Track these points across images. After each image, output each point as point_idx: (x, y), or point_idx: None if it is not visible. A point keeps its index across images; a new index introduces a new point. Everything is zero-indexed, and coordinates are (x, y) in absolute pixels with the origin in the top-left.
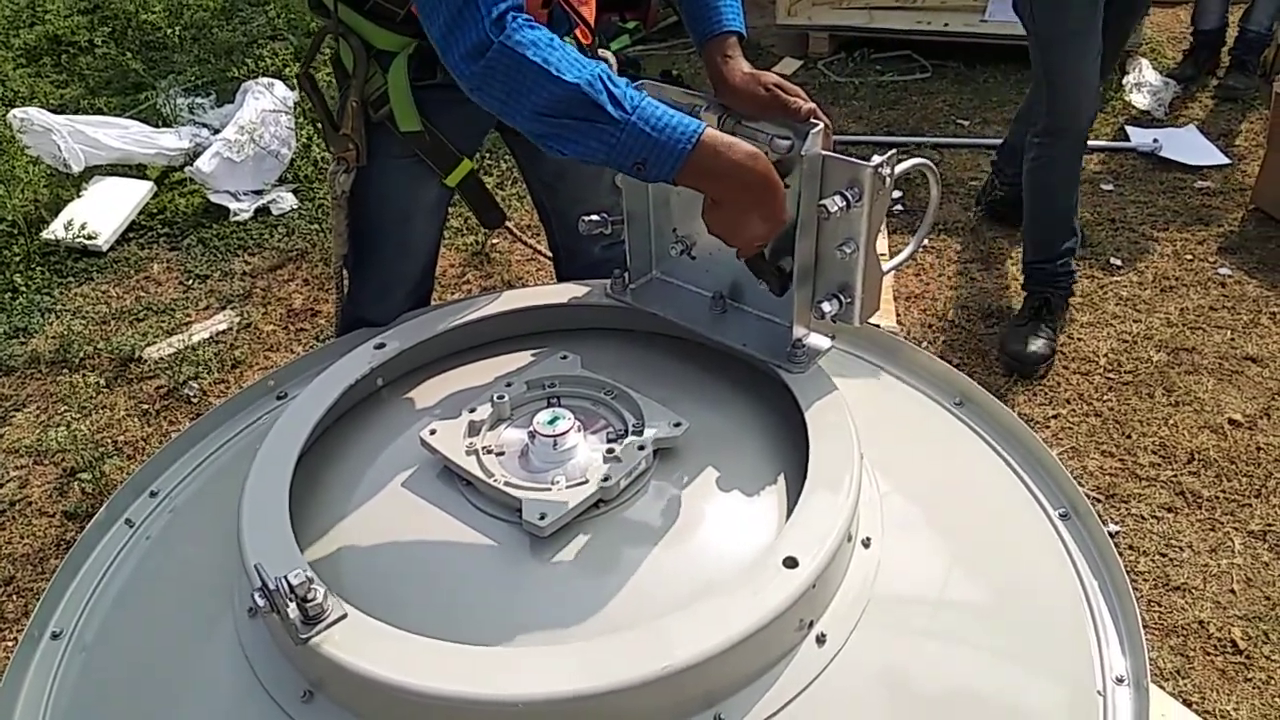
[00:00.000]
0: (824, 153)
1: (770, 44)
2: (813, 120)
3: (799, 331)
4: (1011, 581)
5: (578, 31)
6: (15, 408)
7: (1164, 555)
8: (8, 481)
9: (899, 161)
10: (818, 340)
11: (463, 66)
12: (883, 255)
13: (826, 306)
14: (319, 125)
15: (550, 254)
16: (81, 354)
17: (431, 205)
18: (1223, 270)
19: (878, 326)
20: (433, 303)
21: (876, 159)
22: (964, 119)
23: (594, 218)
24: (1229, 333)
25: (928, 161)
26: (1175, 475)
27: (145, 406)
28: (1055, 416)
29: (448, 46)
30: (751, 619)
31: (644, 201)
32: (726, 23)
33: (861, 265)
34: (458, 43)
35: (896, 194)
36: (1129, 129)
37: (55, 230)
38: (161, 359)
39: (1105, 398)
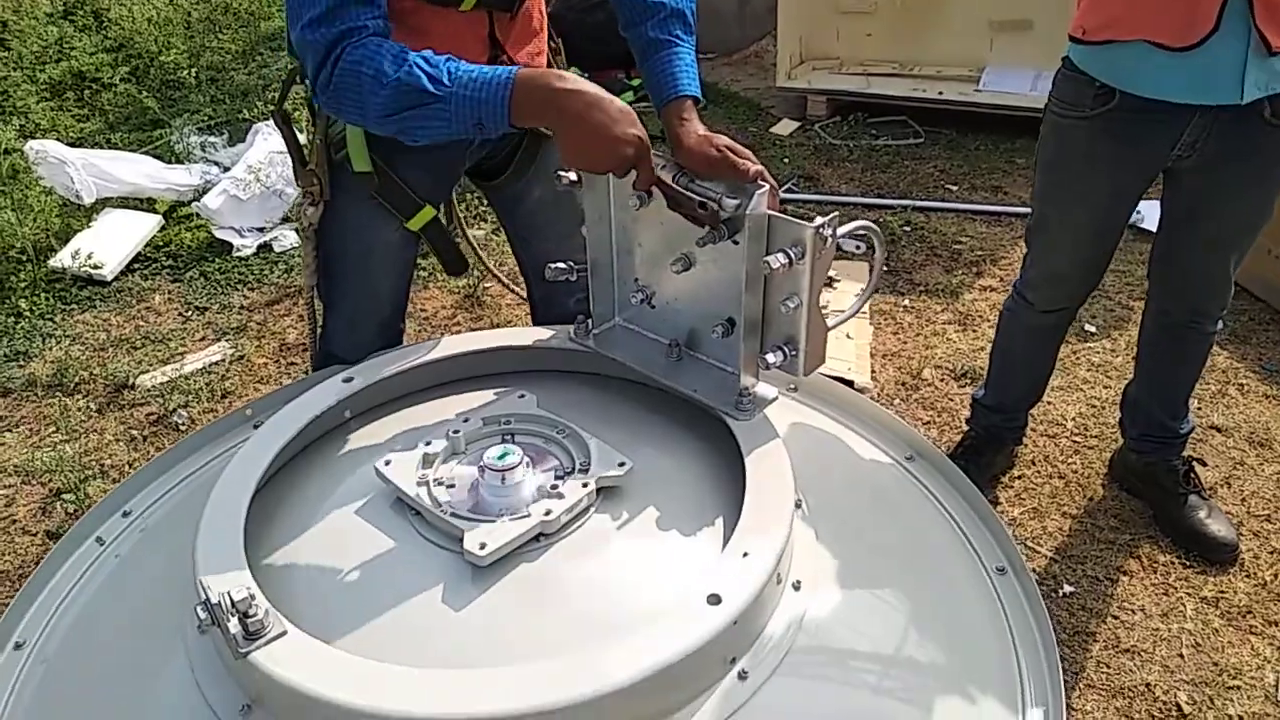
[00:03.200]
0: (769, 212)
1: (770, 105)
2: (760, 181)
3: (747, 381)
4: (941, 632)
5: None
6: (8, 428)
7: (1116, 618)
8: None
9: (843, 223)
10: (764, 390)
11: (320, 96)
12: (864, 314)
13: (771, 358)
14: (292, 161)
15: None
16: (77, 379)
17: (394, 246)
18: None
19: (850, 383)
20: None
21: (819, 220)
22: (953, 184)
23: (560, 265)
24: (1196, 402)
25: (871, 224)
26: (1133, 539)
27: (134, 432)
28: (1020, 477)
29: (311, 81)
30: (673, 651)
31: (608, 252)
32: (682, 88)
33: (805, 319)
34: (312, 75)
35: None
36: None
37: (63, 259)
38: (154, 387)
39: (1070, 460)
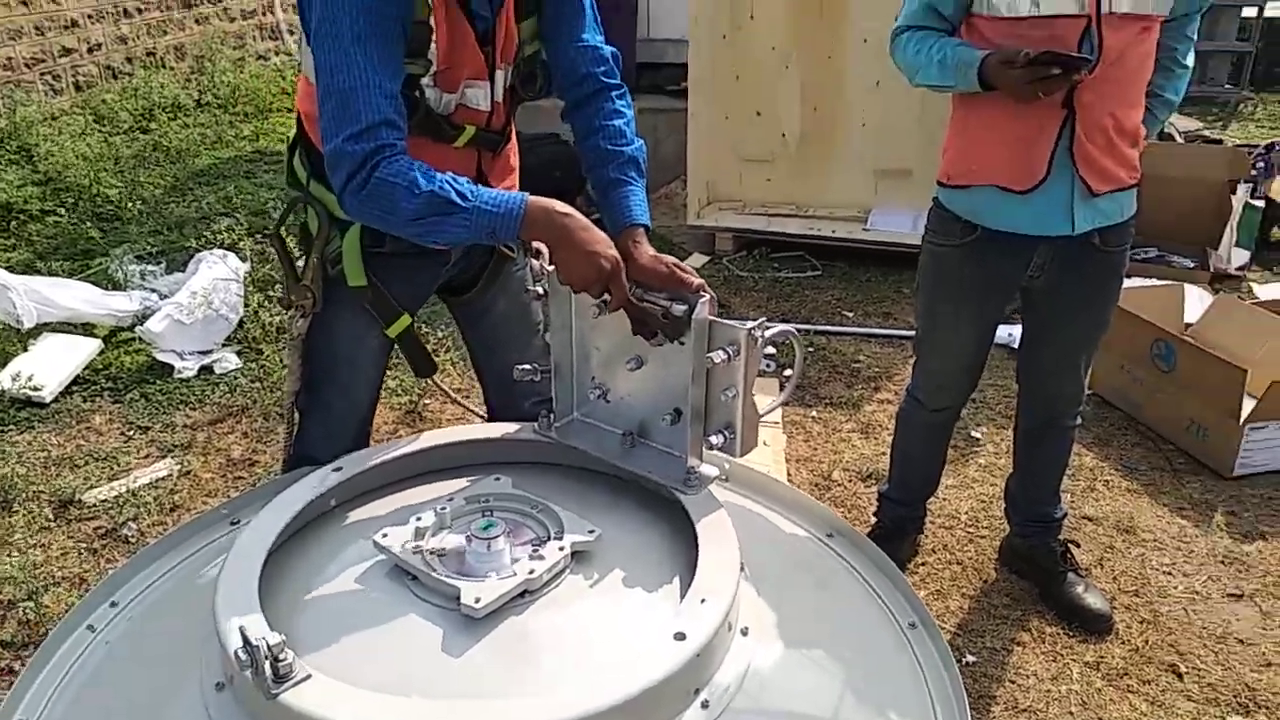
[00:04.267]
0: (710, 317)
1: (681, 241)
2: (701, 292)
3: (693, 462)
4: (862, 678)
5: None
6: None
7: (1014, 682)
8: None
9: (768, 328)
10: (708, 469)
11: (350, 199)
12: (778, 423)
13: (714, 440)
14: (279, 283)
15: (482, 411)
16: (22, 495)
17: (374, 352)
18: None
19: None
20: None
21: (750, 323)
22: (849, 311)
23: (526, 367)
24: (1069, 495)
25: (791, 329)
26: (1024, 615)
27: (85, 545)
28: (923, 564)
29: (342, 187)
30: (646, 680)
31: (569, 355)
32: (635, 217)
33: (741, 407)
34: (344, 182)
35: (788, 373)
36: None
37: (2, 381)
38: (102, 501)
39: (965, 548)
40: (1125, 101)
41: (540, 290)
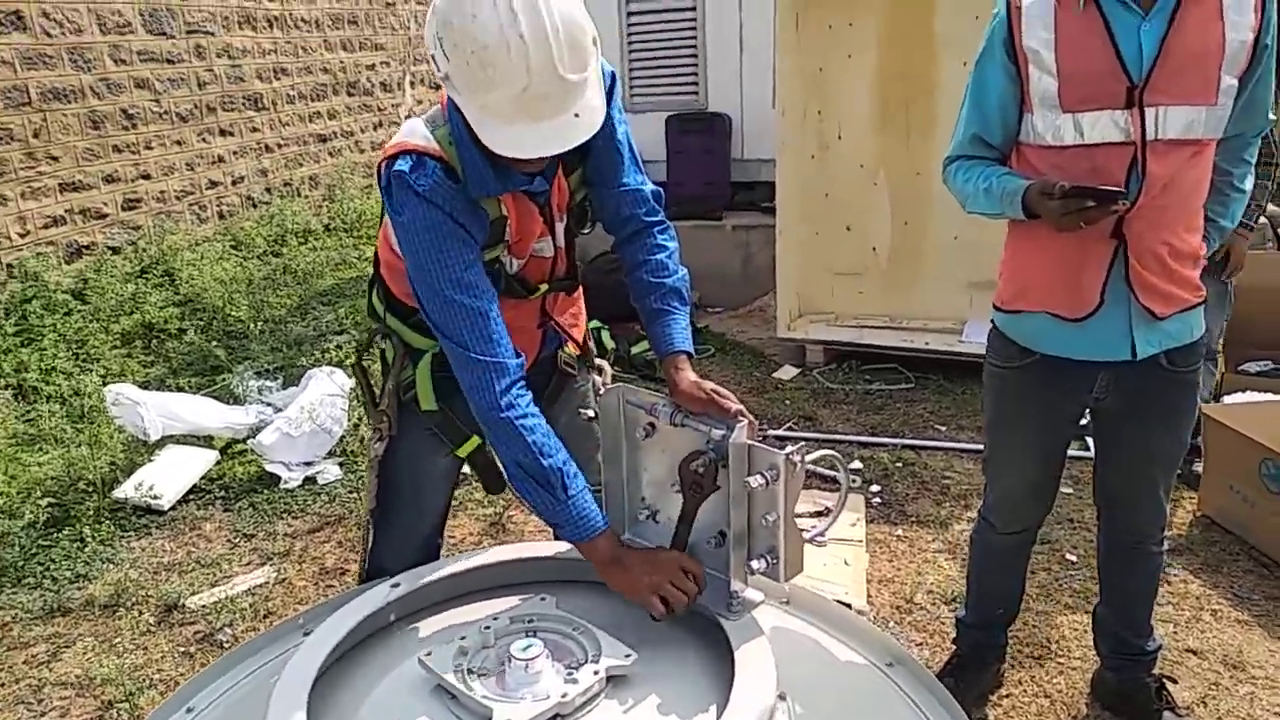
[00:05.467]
0: (748, 441)
1: (773, 353)
2: (739, 417)
3: (736, 586)
4: None
5: (569, 345)
6: (66, 644)
7: None
8: (50, 710)
9: (809, 452)
10: (752, 594)
11: (481, 414)
12: (861, 542)
13: (756, 565)
14: (363, 403)
15: None
16: (131, 599)
17: (443, 471)
18: (1171, 570)
19: (848, 605)
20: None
21: (789, 448)
22: (942, 425)
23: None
24: (1173, 626)
25: (833, 452)
26: None
27: (182, 649)
28: (1008, 695)
29: (470, 397)
30: None
31: (619, 474)
32: (677, 345)
33: (783, 532)
34: (475, 399)
35: (876, 488)
36: (1088, 438)
37: (126, 490)
38: (202, 607)
39: (1055, 680)
40: (1180, 226)
41: (593, 412)
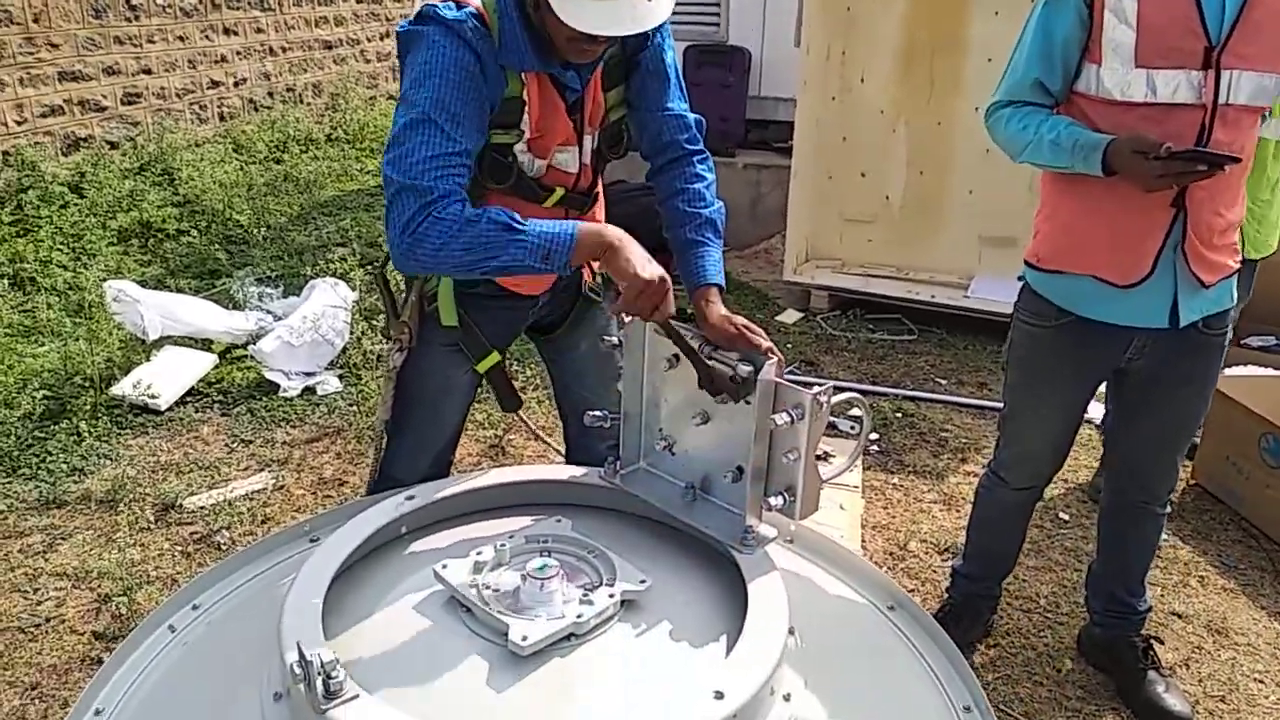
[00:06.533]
0: (776, 379)
1: (777, 296)
2: (769, 354)
3: (751, 521)
4: None
5: (585, 271)
6: (63, 536)
7: None
8: (46, 600)
9: (836, 393)
10: (766, 530)
11: (397, 247)
12: (857, 487)
13: (774, 501)
14: (382, 314)
15: (561, 449)
16: (129, 496)
17: (462, 386)
18: (1161, 536)
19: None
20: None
21: (817, 388)
22: (942, 378)
23: (597, 413)
24: (1159, 589)
25: (859, 397)
26: (1098, 710)
27: (180, 548)
28: (995, 645)
29: (402, 223)
30: None
31: (639, 405)
32: (709, 278)
33: (802, 471)
34: (392, 223)
35: (874, 436)
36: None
37: (123, 388)
38: (200, 508)
39: (1042, 634)
40: (1232, 197)
41: (616, 340)
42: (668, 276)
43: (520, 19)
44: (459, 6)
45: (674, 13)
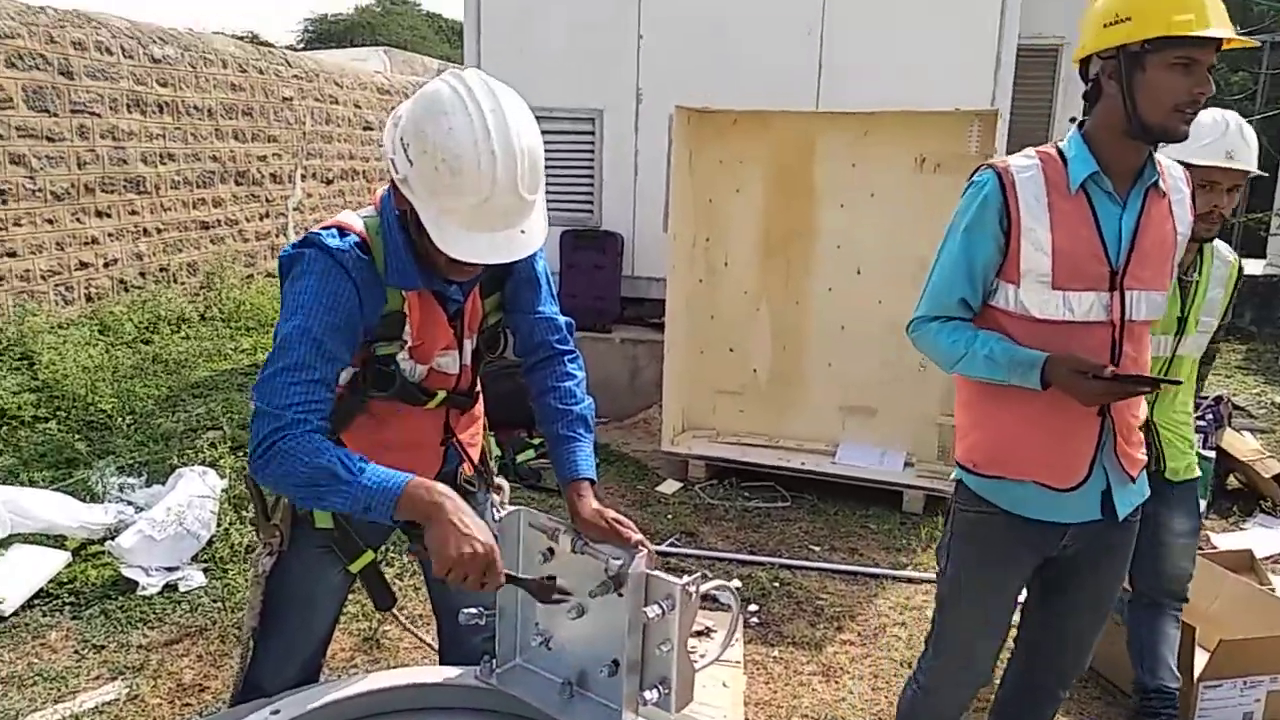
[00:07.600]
0: (646, 571)
1: (657, 466)
2: (640, 547)
3: (628, 716)
4: None
5: (464, 465)
6: None
7: None
8: None
9: (705, 581)
10: None
11: (253, 461)
12: (739, 663)
13: (648, 694)
14: (253, 515)
15: (436, 643)
16: None
17: (334, 588)
18: None
19: None
20: (321, 679)
21: (686, 578)
22: (816, 545)
23: (473, 610)
24: None
25: (728, 584)
26: None
27: None
28: None
29: (256, 444)
30: None
31: (514, 601)
32: (581, 471)
33: (675, 661)
34: (251, 439)
35: (754, 608)
36: None
37: None
38: None
39: None
40: (1138, 400)
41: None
42: (493, 546)
43: (405, 243)
44: (342, 235)
45: (550, 200)
